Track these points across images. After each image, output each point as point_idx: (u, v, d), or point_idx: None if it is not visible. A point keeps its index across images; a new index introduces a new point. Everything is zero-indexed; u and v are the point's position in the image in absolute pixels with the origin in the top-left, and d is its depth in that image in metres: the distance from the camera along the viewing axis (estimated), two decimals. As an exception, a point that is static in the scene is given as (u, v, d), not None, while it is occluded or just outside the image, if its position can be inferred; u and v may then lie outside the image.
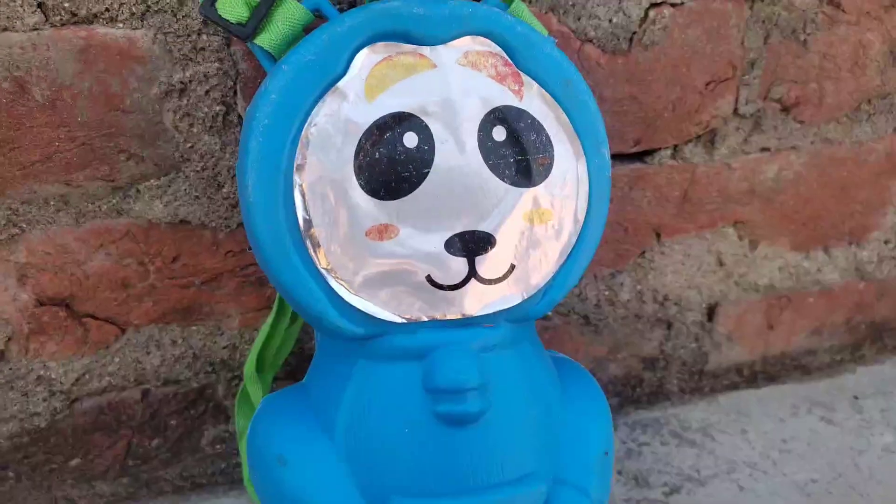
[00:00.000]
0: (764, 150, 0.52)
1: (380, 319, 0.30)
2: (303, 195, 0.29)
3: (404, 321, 0.30)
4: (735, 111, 0.50)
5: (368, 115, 0.29)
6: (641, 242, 0.53)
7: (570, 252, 0.32)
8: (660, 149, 0.50)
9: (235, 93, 0.40)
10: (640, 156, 0.50)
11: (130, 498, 0.52)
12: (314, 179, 0.29)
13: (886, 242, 0.60)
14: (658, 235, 0.53)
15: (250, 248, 0.44)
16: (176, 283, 0.45)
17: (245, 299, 0.47)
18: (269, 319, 0.44)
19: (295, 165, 0.29)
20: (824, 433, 0.60)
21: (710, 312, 0.58)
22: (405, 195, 0.30)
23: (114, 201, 0.41)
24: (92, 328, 0.45)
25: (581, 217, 0.32)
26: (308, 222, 0.29)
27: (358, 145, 0.29)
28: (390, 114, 0.29)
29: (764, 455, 0.58)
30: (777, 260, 0.58)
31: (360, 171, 0.29)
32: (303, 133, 0.29)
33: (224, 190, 0.43)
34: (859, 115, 0.53)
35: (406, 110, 0.30)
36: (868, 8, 0.48)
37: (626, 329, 0.56)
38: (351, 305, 0.30)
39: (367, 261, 0.30)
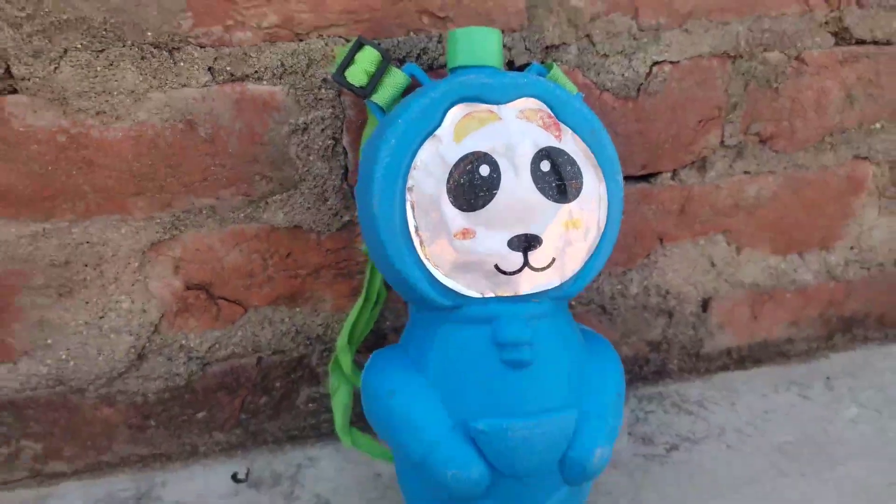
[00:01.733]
0: (746, 173, 0.65)
1: (462, 295, 0.43)
2: (412, 208, 0.42)
3: (479, 296, 0.43)
4: (721, 143, 0.63)
5: (456, 153, 0.43)
6: (647, 247, 0.66)
7: (595, 250, 0.45)
8: (662, 172, 0.63)
9: (342, 131, 0.54)
10: (646, 177, 0.63)
11: (240, 446, 0.65)
12: (419, 197, 0.42)
13: (851, 248, 0.72)
14: (661, 241, 0.66)
15: (353, 246, 0.57)
16: (287, 274, 0.58)
17: (337, 287, 0.60)
18: (358, 304, 0.57)
19: (406, 187, 0.42)
20: (800, 406, 0.72)
21: (705, 305, 0.71)
22: (481, 208, 0.43)
23: (248, 211, 0.55)
24: (223, 308, 0.58)
25: (602, 225, 0.45)
26: (415, 227, 0.42)
27: (449, 173, 0.42)
28: (471, 152, 0.43)
29: (748, 423, 0.70)
30: (760, 262, 0.70)
31: (450, 191, 0.42)
32: (412, 165, 0.42)
33: (328, 203, 0.56)
34: (823, 146, 0.65)
35: (481, 150, 0.43)
36: (826, 63, 0.61)
37: (634, 317, 0.69)
38: (443, 285, 0.43)
39: (455, 254, 0.43)
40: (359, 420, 0.62)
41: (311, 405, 0.65)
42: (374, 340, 0.63)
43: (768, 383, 0.76)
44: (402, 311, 0.63)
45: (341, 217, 0.57)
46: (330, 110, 0.53)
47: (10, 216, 0.50)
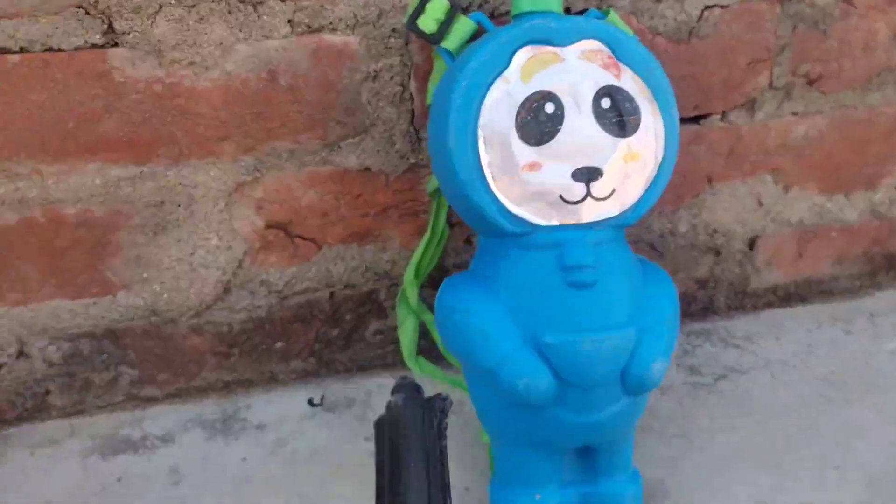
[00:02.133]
0: (794, 114, 0.67)
1: (530, 223, 0.47)
2: (484, 143, 0.46)
3: (545, 224, 0.47)
4: (770, 84, 0.65)
5: (523, 92, 0.46)
6: (697, 186, 0.69)
7: (652, 181, 0.49)
8: (711, 114, 0.66)
9: (409, 77, 0.57)
10: (697, 119, 0.66)
11: (313, 374, 0.71)
12: (490, 133, 0.46)
13: (897, 188, 0.74)
14: (710, 181, 0.69)
15: (419, 187, 0.61)
16: (358, 213, 0.63)
17: (404, 226, 0.64)
18: (424, 240, 0.61)
19: (479, 124, 0.46)
20: (843, 341, 0.75)
21: (752, 243, 0.73)
22: (546, 143, 0.46)
23: (323, 154, 0.59)
24: (300, 246, 0.63)
25: (659, 157, 0.48)
26: (487, 161, 0.46)
27: (517, 111, 0.46)
28: (537, 91, 0.46)
29: (794, 355, 0.74)
30: (806, 201, 0.72)
31: (518, 127, 0.46)
32: (483, 103, 0.46)
33: (396, 146, 0.60)
34: (871, 86, 0.67)
35: (547, 89, 0.46)
36: (874, 3, 0.62)
37: (683, 255, 0.72)
38: (512, 214, 0.47)
39: (523, 185, 0.47)
40: (423, 351, 0.67)
41: (378, 337, 0.70)
42: (437, 276, 0.68)
43: (813, 320, 0.79)
44: (462, 248, 0.67)
45: (408, 160, 0.61)
46: (398, 58, 0.56)
47: (113, 161, 0.55)
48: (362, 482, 0.61)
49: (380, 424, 0.42)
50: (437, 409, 0.40)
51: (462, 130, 0.46)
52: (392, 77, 0.57)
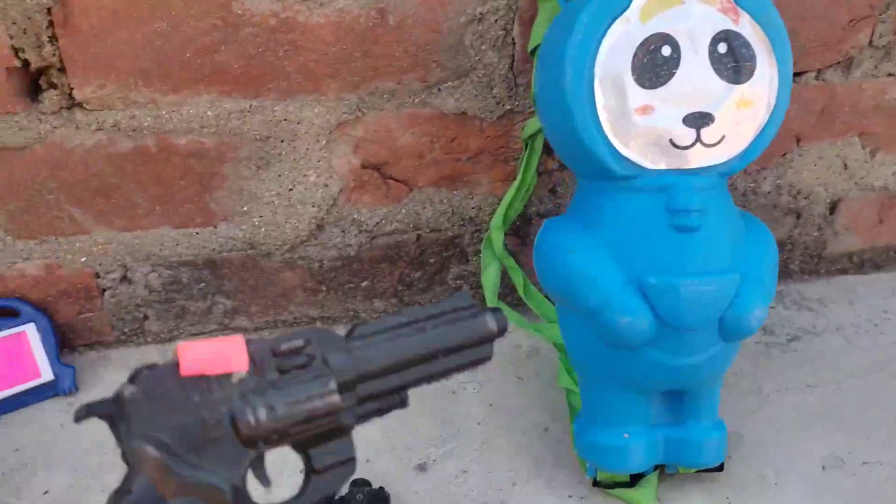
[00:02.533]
0: (890, 75, 0.66)
1: (639, 165, 0.48)
2: (600, 84, 0.47)
3: (653, 168, 0.48)
4: (870, 43, 0.64)
5: (641, 33, 0.46)
6: (784, 146, 0.69)
7: (761, 130, 0.49)
8: (807, 71, 0.65)
9: (513, 22, 0.58)
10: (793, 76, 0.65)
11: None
12: (605, 74, 0.47)
13: None
14: (798, 141, 0.68)
15: (512, 134, 0.62)
16: (450, 157, 0.64)
17: (493, 172, 0.65)
18: (514, 186, 0.62)
19: (595, 64, 0.47)
20: (918, 309, 0.75)
21: (833, 207, 0.73)
22: (661, 86, 0.47)
23: (423, 96, 0.60)
24: (392, 187, 0.65)
25: (771, 105, 0.49)
26: (602, 102, 0.47)
27: (634, 52, 0.46)
28: (655, 33, 0.46)
29: (867, 320, 0.74)
30: (892, 166, 0.72)
31: (634, 69, 0.46)
32: (602, 44, 0.47)
33: (494, 91, 0.61)
34: (974, 49, 0.66)
35: (665, 31, 0.46)
36: None
37: (764, 216, 0.72)
38: (622, 155, 0.48)
39: (634, 128, 0.47)
40: (501, 297, 0.68)
41: (458, 281, 0.71)
42: (520, 224, 0.69)
43: (887, 287, 0.78)
44: (545, 197, 0.68)
45: (504, 105, 0.62)
46: (504, 1, 0.57)
47: (225, 93, 0.57)
48: (440, 417, 0.64)
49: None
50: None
51: (579, 71, 0.47)
52: (496, 20, 0.58)
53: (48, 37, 0.53)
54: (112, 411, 0.28)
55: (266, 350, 0.29)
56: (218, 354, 0.27)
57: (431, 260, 0.70)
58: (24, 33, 0.52)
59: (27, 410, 0.63)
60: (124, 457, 0.28)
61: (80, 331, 0.67)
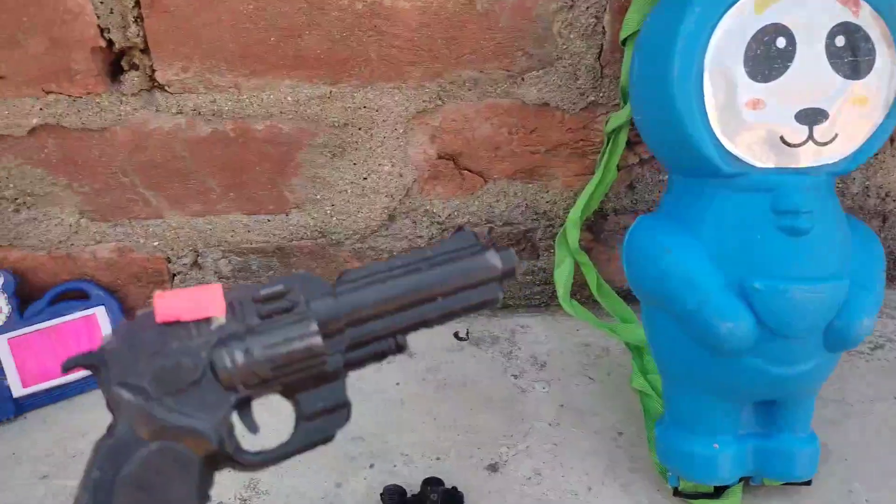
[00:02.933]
0: None
1: (746, 163, 0.46)
2: (709, 76, 0.44)
3: (761, 166, 0.46)
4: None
5: (756, 24, 0.44)
6: (876, 146, 0.65)
7: (875, 130, 0.46)
8: (907, 69, 0.62)
9: (605, 10, 0.56)
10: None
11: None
12: (715, 66, 0.44)
13: None
14: (892, 140, 0.65)
15: (592, 126, 0.59)
16: (528, 150, 0.62)
17: (570, 166, 0.63)
18: (594, 181, 0.60)
19: (705, 56, 0.44)
20: None
21: (922, 211, 0.70)
22: (773, 80, 0.44)
23: (506, 86, 0.58)
24: (467, 178, 0.63)
25: (889, 103, 0.46)
26: (710, 95, 0.45)
27: (747, 44, 0.44)
28: (770, 24, 0.44)
29: (954, 330, 0.70)
30: None
31: (746, 61, 0.44)
32: (713, 34, 0.44)
33: (578, 81, 0.59)
34: None
35: (780, 22, 0.44)
36: None
37: (848, 218, 0.69)
38: (728, 152, 0.45)
39: (743, 123, 0.45)
40: (573, 293, 0.67)
41: (527, 277, 0.70)
42: (595, 219, 0.67)
43: (975, 297, 0.75)
44: (623, 193, 0.66)
45: (587, 97, 0.60)
46: (597, -12, 0.55)
47: (306, 78, 0.56)
48: (509, 416, 0.62)
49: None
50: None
51: (687, 62, 0.44)
52: (588, 8, 0.55)
53: (134, 17, 0.52)
54: (94, 362, 0.28)
55: (247, 297, 0.28)
56: (194, 301, 0.27)
57: (502, 254, 0.68)
58: (111, 13, 0.51)
59: (97, 393, 0.63)
60: (108, 405, 0.28)
61: (147, 315, 0.67)
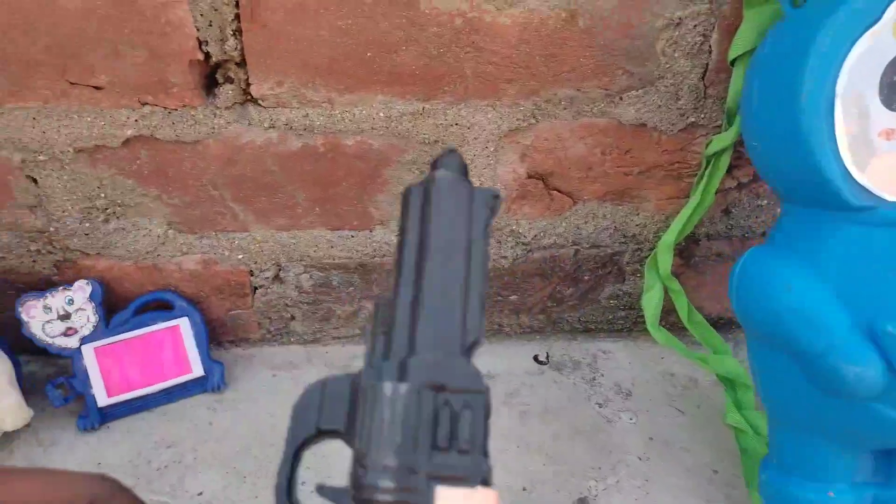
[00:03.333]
0: None
1: (876, 196, 0.43)
2: (841, 102, 0.42)
3: (893, 199, 0.43)
4: None
5: (893, 49, 0.41)
6: None
7: None
8: None
9: (714, 28, 0.53)
10: None
11: (537, 331, 0.69)
12: (847, 92, 0.42)
13: None
14: None
15: (689, 149, 0.57)
16: (621, 171, 0.60)
17: (664, 189, 0.61)
18: (692, 204, 0.58)
19: (838, 82, 0.42)
20: None
21: None
22: (911, 108, 0.41)
23: (602, 105, 0.56)
24: (555, 198, 0.61)
25: None
26: (841, 123, 0.42)
27: (884, 69, 0.41)
28: (910, 49, 0.41)
29: None
30: None
31: (881, 88, 0.41)
32: (846, 59, 0.42)
33: (679, 102, 0.56)
34: None
35: (921, 47, 0.41)
36: None
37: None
38: (858, 184, 0.43)
39: (874, 153, 0.42)
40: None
41: (611, 301, 0.67)
42: (685, 244, 0.64)
43: None
44: (717, 218, 0.63)
45: (687, 118, 0.57)
46: (706, 5, 0.52)
47: (399, 94, 0.55)
48: (596, 447, 0.60)
49: (412, 194, 0.29)
50: (486, 202, 0.29)
51: (818, 87, 0.42)
52: (695, 26, 0.53)
53: (232, 30, 0.51)
54: None
55: None
56: None
57: (586, 277, 0.66)
58: (210, 26, 0.51)
59: (177, 405, 0.63)
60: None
61: (227, 327, 0.66)
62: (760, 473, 0.51)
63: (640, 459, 0.58)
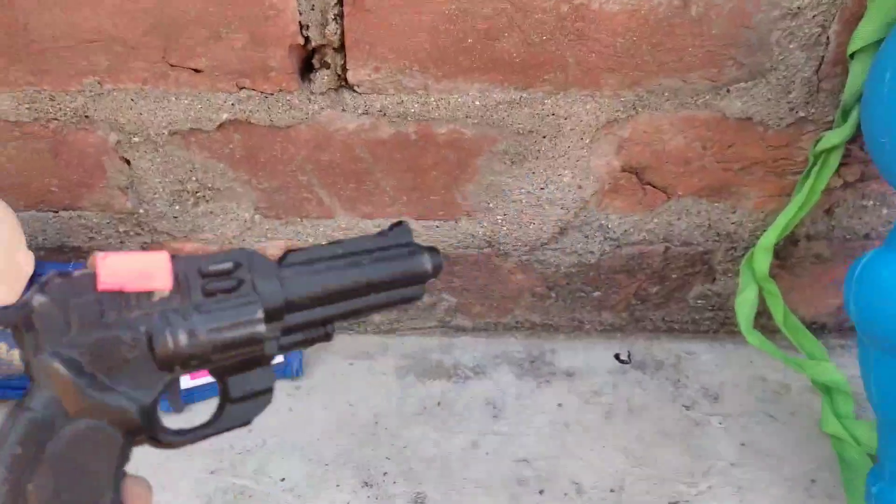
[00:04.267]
0: None
1: None
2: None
3: None
4: None
5: None
6: None
7: None
8: None
9: (833, 19, 0.51)
10: None
11: (619, 329, 0.68)
12: None
13: None
14: None
15: (797, 145, 0.54)
16: (720, 166, 0.58)
17: (765, 186, 0.58)
18: (796, 203, 0.55)
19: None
20: None
21: None
22: None
23: (707, 97, 0.54)
24: (648, 193, 0.59)
25: None
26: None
27: None
28: None
29: None
30: None
31: None
32: None
33: (790, 96, 0.54)
34: None
35: None
36: None
37: None
38: None
39: None
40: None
41: (699, 301, 0.65)
42: (783, 245, 0.62)
43: None
44: (820, 218, 0.60)
45: (797, 112, 0.55)
46: (828, -5, 0.50)
47: (497, 82, 0.53)
48: (686, 451, 0.58)
49: None
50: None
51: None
52: (814, 16, 0.50)
53: (334, 15, 0.50)
54: (17, 320, 0.25)
55: (193, 270, 0.26)
56: (140, 270, 0.25)
57: (674, 275, 0.64)
58: (312, 10, 0.50)
59: (256, 389, 0.63)
60: (27, 369, 0.25)
61: (305, 314, 0.66)
62: (870, 485, 0.48)
63: (732, 466, 0.56)
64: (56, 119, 0.55)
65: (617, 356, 0.66)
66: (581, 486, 0.54)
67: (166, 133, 0.55)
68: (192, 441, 0.28)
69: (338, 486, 0.55)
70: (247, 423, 0.29)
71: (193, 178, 0.58)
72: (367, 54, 0.52)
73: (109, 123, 0.55)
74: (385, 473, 0.56)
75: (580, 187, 0.59)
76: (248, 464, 0.57)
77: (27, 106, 0.54)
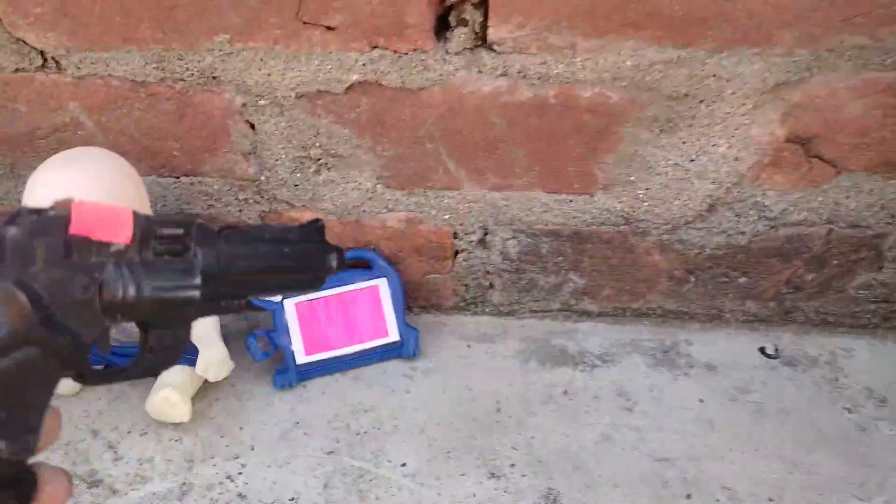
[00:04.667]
0: None
1: None
2: None
3: None
4: None
5: None
6: None
7: None
8: None
9: None
10: None
11: (764, 320, 0.61)
12: None
13: None
14: None
15: None
16: (905, 138, 0.51)
17: (956, 161, 0.51)
18: None
19: None
20: None
21: None
22: None
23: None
24: (815, 168, 0.53)
25: None
26: None
27: None
28: None
29: None
30: None
31: None
32: None
33: None
34: None
35: None
36: None
37: None
38: None
39: None
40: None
41: (861, 292, 0.58)
42: (970, 231, 0.54)
43: None
44: None
45: None
46: None
47: (654, 39, 0.48)
48: (852, 458, 0.51)
49: None
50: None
51: None
52: None
53: (477, -35, 0.47)
54: None
55: (150, 230, 0.29)
56: (108, 220, 0.28)
57: (835, 261, 0.57)
58: (454, -41, 0.46)
59: (370, 369, 0.61)
60: None
61: (421, 291, 0.63)
62: None
63: (910, 479, 0.49)
64: (182, 80, 0.53)
65: (762, 350, 0.60)
66: (734, 492, 0.49)
67: (293, 96, 0.53)
68: (111, 382, 0.31)
69: (462, 475, 0.52)
70: (156, 373, 0.32)
71: (317, 144, 0.55)
72: (510, 9, 0.47)
73: (237, 85, 0.53)
74: (512, 465, 0.52)
75: (736, 159, 0.53)
76: (366, 445, 0.54)
77: (154, 65, 0.53)
